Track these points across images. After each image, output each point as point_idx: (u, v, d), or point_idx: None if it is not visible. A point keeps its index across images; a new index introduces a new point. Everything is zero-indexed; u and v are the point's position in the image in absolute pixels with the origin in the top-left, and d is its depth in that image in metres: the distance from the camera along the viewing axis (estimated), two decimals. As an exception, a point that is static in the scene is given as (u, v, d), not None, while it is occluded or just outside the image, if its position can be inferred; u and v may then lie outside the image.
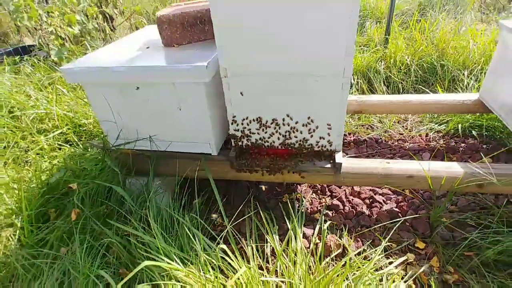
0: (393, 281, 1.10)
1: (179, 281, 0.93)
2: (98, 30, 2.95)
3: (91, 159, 1.45)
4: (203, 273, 0.95)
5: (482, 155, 1.58)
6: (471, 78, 2.17)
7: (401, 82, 2.38)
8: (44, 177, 1.53)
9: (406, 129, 2.02)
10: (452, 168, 1.19)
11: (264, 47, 1.01)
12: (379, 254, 1.15)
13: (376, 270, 1.13)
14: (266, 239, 1.18)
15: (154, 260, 0.96)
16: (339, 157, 1.22)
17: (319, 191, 1.56)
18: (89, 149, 1.79)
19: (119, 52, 1.31)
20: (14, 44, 4.37)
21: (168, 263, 0.93)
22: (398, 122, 2.10)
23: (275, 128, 1.21)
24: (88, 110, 2.00)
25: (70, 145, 1.85)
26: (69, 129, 1.94)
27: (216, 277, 0.94)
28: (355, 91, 2.38)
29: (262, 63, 1.04)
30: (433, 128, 1.95)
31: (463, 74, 2.20)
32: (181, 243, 1.08)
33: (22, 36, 4.48)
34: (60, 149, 1.81)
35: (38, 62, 2.62)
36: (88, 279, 0.99)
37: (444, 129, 1.92)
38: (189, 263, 1.00)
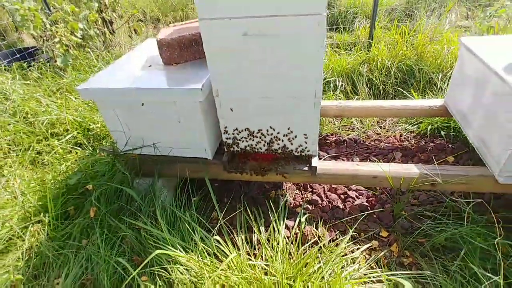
0: (358, 263, 1.34)
1: (182, 265, 1.17)
2: (98, 35, 3.11)
3: (103, 163, 1.67)
4: (201, 258, 1.19)
5: (446, 154, 1.81)
6: (444, 82, 2.37)
7: (383, 84, 2.58)
8: (60, 178, 1.75)
9: (384, 129, 2.24)
10: (409, 170, 1.42)
11: (250, 76, 1.21)
12: (348, 242, 1.39)
13: (345, 254, 1.37)
14: (254, 230, 1.41)
15: (162, 249, 1.20)
16: (315, 161, 1.44)
17: (301, 188, 1.79)
18: (97, 151, 2.01)
19: (126, 72, 1.51)
20: (13, 41, 4.51)
21: (173, 251, 1.17)
22: (377, 123, 2.32)
23: (260, 137, 1.42)
24: (95, 116, 2.20)
25: (79, 146, 2.06)
26: (78, 133, 2.15)
27: (212, 262, 1.18)
28: (339, 93, 2.58)
29: (248, 88, 1.25)
30: (407, 129, 2.17)
31: (438, 78, 2.40)
32: (183, 235, 1.31)
33: (20, 33, 4.62)
34: (70, 152, 2.02)
35: (44, 68, 2.80)
36: (108, 265, 1.23)
37: (417, 129, 2.14)
38: (189, 251, 1.24)
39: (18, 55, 3.04)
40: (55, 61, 2.87)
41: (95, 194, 1.47)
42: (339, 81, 2.61)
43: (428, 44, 2.56)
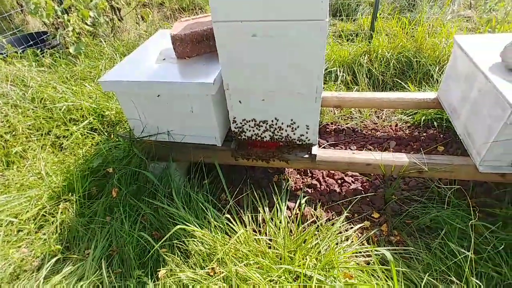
0: (351, 240, 1.51)
1: (197, 239, 1.34)
2: (108, 22, 3.20)
3: (120, 148, 1.82)
4: (214, 234, 1.36)
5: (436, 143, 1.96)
6: (440, 74, 2.49)
7: (382, 75, 2.69)
8: (81, 161, 1.92)
9: (380, 119, 2.37)
10: (399, 158, 1.57)
11: (258, 72, 1.34)
12: (342, 222, 1.57)
13: (340, 233, 1.54)
14: (259, 210, 1.58)
15: (178, 225, 1.37)
16: (315, 150, 1.59)
17: (302, 173, 1.95)
18: (112, 136, 2.16)
19: (142, 65, 1.63)
20: (18, 24, 4.58)
21: (190, 227, 1.34)
22: (375, 113, 2.45)
23: (266, 127, 1.57)
24: (110, 103, 2.34)
25: (95, 131, 2.21)
26: (94, 118, 2.29)
27: (223, 237, 1.35)
28: (340, 83, 2.70)
29: (256, 83, 1.39)
30: (402, 119, 2.31)
31: (434, 70, 2.51)
32: (197, 213, 1.48)
33: (25, 15, 4.68)
34: (87, 137, 2.18)
35: (56, 55, 2.91)
36: (132, 238, 1.41)
37: (411, 120, 2.28)
38: (204, 227, 1.41)
39: (30, 41, 3.14)
40: (67, 48, 2.98)
41: (116, 176, 1.63)
42: (340, 71, 2.72)
43: (427, 37, 2.65)
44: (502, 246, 1.33)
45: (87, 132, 2.19)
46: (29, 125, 2.24)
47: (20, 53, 2.85)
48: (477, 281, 1.20)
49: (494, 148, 1.37)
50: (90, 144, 2.12)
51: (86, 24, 2.82)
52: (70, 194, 1.62)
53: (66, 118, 2.28)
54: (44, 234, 1.53)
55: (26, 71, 2.55)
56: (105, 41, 3.06)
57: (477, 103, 1.50)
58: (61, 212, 1.58)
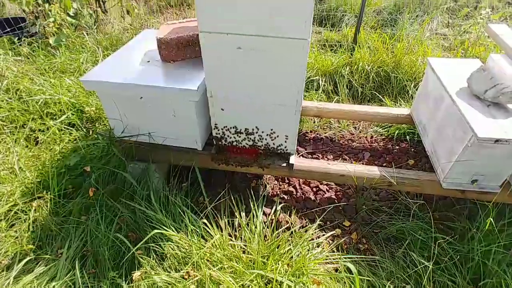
0: (322, 247, 1.59)
1: (173, 242, 1.37)
2: (91, 14, 3.12)
3: (99, 146, 1.81)
4: (190, 238, 1.39)
5: (408, 157, 2.07)
6: (415, 90, 2.62)
7: (361, 87, 2.80)
8: (57, 158, 1.88)
9: (357, 129, 2.47)
10: (371, 171, 1.66)
11: (241, 83, 1.38)
12: (315, 229, 1.64)
13: (312, 239, 1.61)
14: (236, 215, 1.62)
15: (155, 228, 1.39)
16: (292, 159, 1.65)
17: (280, 179, 2.01)
18: (91, 133, 2.13)
19: (126, 66, 1.63)
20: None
21: (168, 231, 1.36)
22: (353, 123, 2.55)
23: (246, 135, 1.61)
24: (90, 99, 2.30)
25: (72, 127, 2.16)
26: (73, 114, 2.25)
27: (199, 241, 1.39)
28: (321, 92, 2.78)
29: (239, 93, 1.43)
30: (378, 131, 2.42)
31: (410, 86, 2.65)
32: (174, 217, 1.50)
33: (2, -3, 4.46)
34: (64, 132, 2.13)
35: (35, 44, 2.81)
36: (108, 239, 1.41)
37: (386, 132, 2.39)
38: (180, 231, 1.44)
39: (7, 28, 3.00)
40: (46, 38, 2.89)
41: (94, 176, 1.62)
42: (322, 81, 2.81)
43: (405, 54, 2.78)
44: (458, 257, 1.45)
45: (65, 127, 2.14)
46: (2, 117, 2.17)
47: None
48: (433, 290, 1.30)
49: (456, 167, 1.48)
50: (68, 140, 2.08)
51: (68, 15, 2.75)
52: (44, 191, 1.60)
53: (43, 111, 2.22)
54: (16, 232, 1.50)
55: (1, 60, 2.45)
56: (87, 34, 2.99)
57: (443, 124, 1.61)
58: (35, 210, 1.55)
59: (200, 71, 1.55)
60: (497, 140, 1.29)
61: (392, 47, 2.96)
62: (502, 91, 1.41)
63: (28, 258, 1.37)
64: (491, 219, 1.43)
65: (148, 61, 1.69)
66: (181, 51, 1.67)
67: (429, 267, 1.37)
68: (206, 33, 1.26)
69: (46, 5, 2.72)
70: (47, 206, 1.55)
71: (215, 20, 1.21)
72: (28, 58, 2.71)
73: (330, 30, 3.99)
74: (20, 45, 2.78)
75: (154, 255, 1.37)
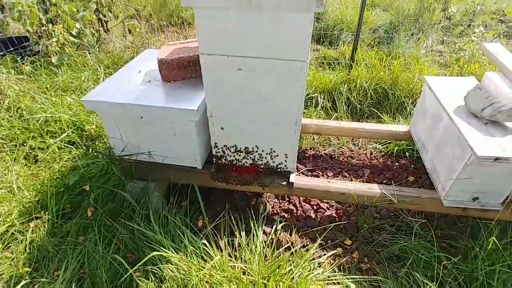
0: (323, 268, 1.56)
1: (172, 264, 1.35)
2: (94, 34, 3.19)
3: (98, 165, 1.80)
4: (190, 259, 1.37)
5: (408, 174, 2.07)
6: (413, 107, 2.65)
7: (360, 104, 2.83)
8: (55, 176, 1.88)
9: (357, 146, 2.48)
10: (372, 189, 1.65)
11: (241, 102, 1.40)
12: (316, 248, 1.61)
13: (313, 259, 1.59)
14: (236, 234, 1.60)
15: (154, 249, 1.37)
16: (292, 177, 1.65)
17: (280, 197, 2.00)
18: (91, 151, 2.13)
19: (127, 86, 1.65)
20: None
21: (166, 252, 1.34)
22: (351, 140, 2.56)
23: (246, 154, 1.61)
24: (90, 118, 2.31)
25: (72, 145, 2.17)
26: (73, 132, 2.26)
27: (198, 262, 1.36)
28: (320, 109, 2.81)
29: (239, 112, 1.44)
30: (377, 148, 2.43)
31: (408, 103, 2.67)
32: (173, 237, 1.48)
33: (5, 16, 4.56)
34: (64, 151, 2.13)
35: (37, 63, 2.86)
36: (105, 261, 1.39)
37: (385, 149, 2.40)
38: (179, 252, 1.41)
39: (10, 47, 3.05)
40: (49, 57, 2.93)
41: (93, 195, 1.61)
42: (320, 98, 2.84)
43: (402, 72, 2.83)
44: (462, 278, 1.42)
45: (64, 145, 2.15)
46: (3, 135, 2.17)
47: (-1, 58, 2.78)
48: (438, 312, 1.27)
49: (456, 185, 1.48)
50: (67, 158, 2.08)
51: (71, 34, 2.80)
52: (42, 211, 1.58)
53: (43, 130, 2.23)
54: (12, 253, 1.47)
55: (4, 79, 2.48)
56: (89, 53, 3.04)
57: (442, 142, 1.62)
58: (32, 231, 1.53)
59: (200, 91, 1.57)
60: (496, 158, 1.30)
61: (389, 64, 3.01)
62: (499, 109, 1.42)
63: (23, 282, 1.34)
64: (494, 238, 1.42)
65: (149, 81, 1.71)
66: (182, 71, 1.69)
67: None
68: (206, 55, 1.28)
69: (50, 25, 2.77)
70: (44, 227, 1.53)
71: (215, 42, 1.24)
72: (30, 77, 2.74)
73: (328, 48, 4.07)
74: (23, 63, 2.82)
75: (153, 277, 1.34)
